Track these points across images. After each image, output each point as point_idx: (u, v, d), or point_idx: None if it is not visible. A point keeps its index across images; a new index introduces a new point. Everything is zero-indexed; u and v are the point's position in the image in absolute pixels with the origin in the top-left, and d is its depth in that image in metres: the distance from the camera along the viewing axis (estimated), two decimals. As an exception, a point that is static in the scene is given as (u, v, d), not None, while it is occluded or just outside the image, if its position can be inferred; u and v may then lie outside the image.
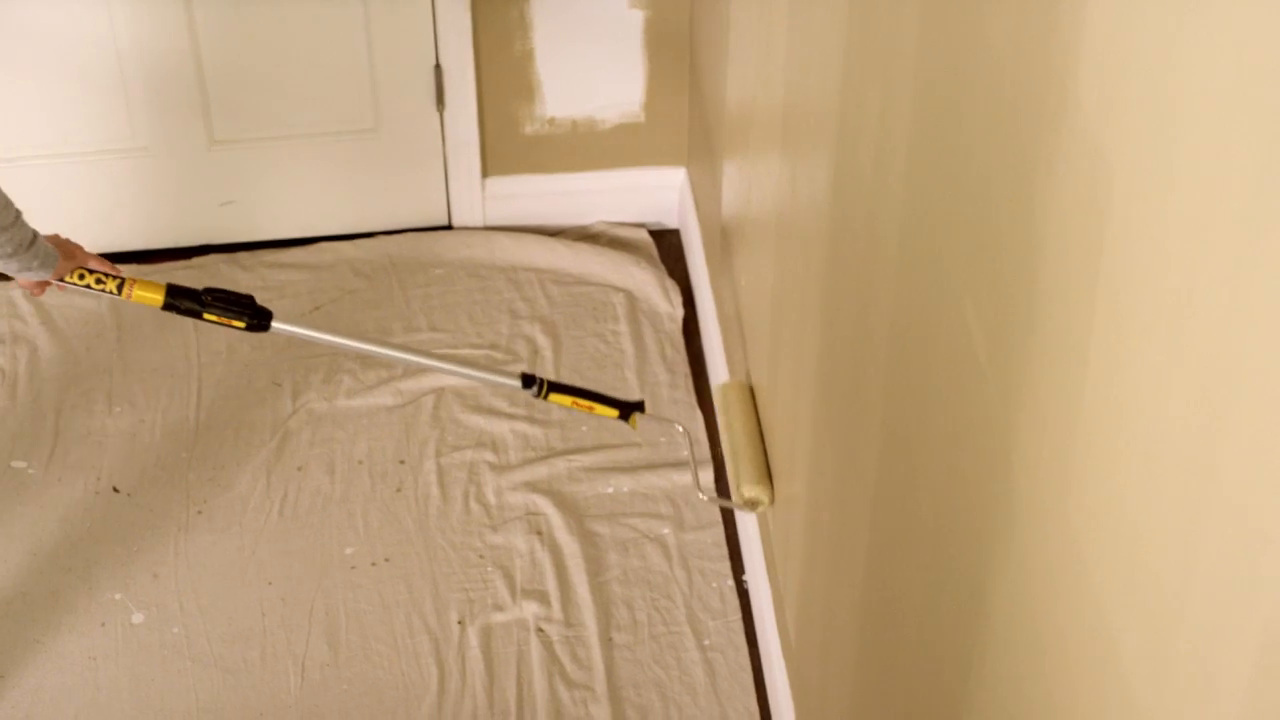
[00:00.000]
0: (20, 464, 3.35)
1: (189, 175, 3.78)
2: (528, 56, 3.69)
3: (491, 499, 3.27)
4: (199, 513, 3.26)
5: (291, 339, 3.59)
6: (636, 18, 3.66)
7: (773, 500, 2.82)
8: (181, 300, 2.49)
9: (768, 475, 2.85)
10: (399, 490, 3.30)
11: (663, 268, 3.80)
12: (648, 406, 2.81)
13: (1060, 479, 1.32)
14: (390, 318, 3.68)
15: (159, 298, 2.48)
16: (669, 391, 3.50)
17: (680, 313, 3.69)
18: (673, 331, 3.65)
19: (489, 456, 3.36)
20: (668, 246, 3.90)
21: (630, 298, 3.72)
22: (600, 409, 2.72)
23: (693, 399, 3.49)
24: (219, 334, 3.62)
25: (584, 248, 3.81)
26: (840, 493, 2.23)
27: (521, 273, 3.78)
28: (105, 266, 2.51)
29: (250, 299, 2.53)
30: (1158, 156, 1.09)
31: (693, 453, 2.96)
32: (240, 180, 3.82)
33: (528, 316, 3.68)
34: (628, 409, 2.73)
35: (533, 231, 3.89)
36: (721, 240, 3.31)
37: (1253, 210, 0.95)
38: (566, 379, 3.52)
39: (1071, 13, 1.22)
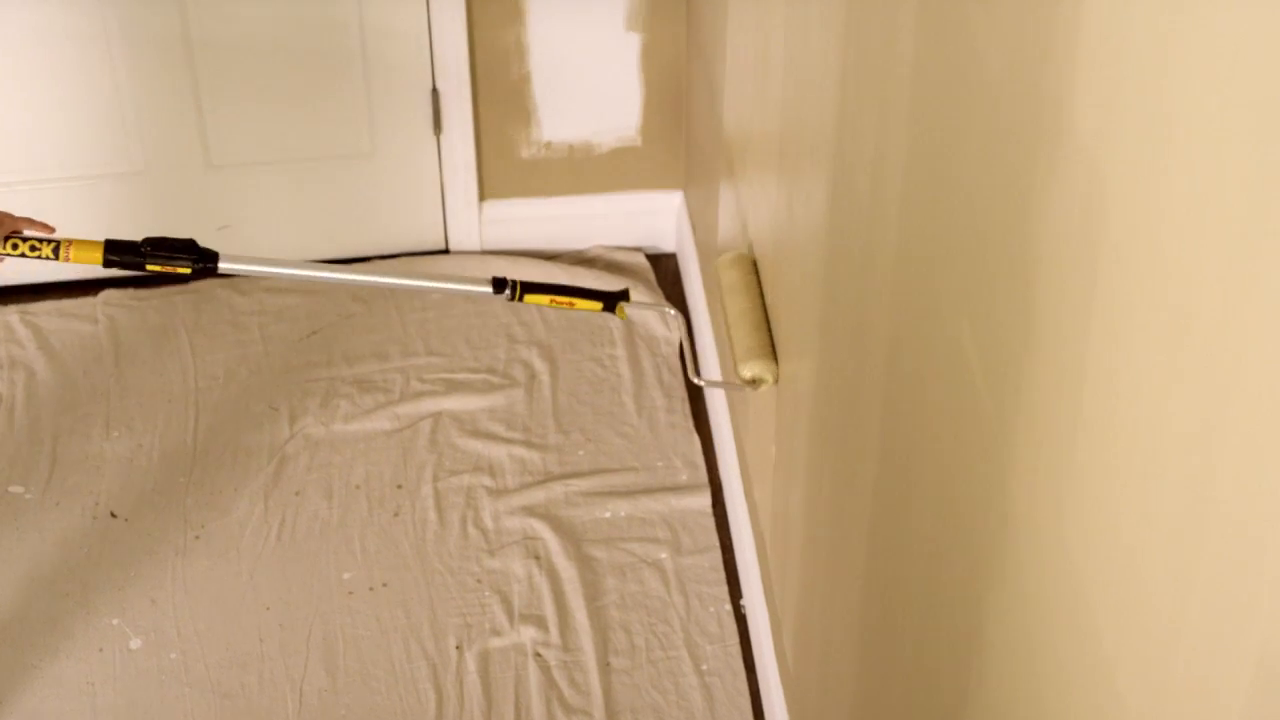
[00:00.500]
0: (17, 489, 3.34)
1: (186, 199, 3.79)
2: (524, 80, 3.70)
3: (489, 524, 3.27)
4: (196, 538, 3.25)
5: (286, 364, 3.60)
6: (633, 41, 3.67)
7: (777, 378, 2.64)
8: (122, 255, 2.44)
9: (771, 352, 2.65)
10: (396, 515, 3.30)
11: (660, 292, 3.80)
12: (624, 310, 2.61)
13: (1056, 501, 1.32)
14: (387, 342, 3.68)
15: (98, 255, 2.44)
16: (666, 416, 3.50)
17: (677, 336, 3.69)
18: (670, 356, 3.66)
19: (486, 481, 3.36)
20: (665, 270, 3.90)
21: (627, 322, 3.72)
22: (581, 304, 2.58)
23: (689, 421, 3.49)
24: (216, 358, 3.62)
25: (581, 271, 3.81)
26: (837, 516, 2.23)
27: (519, 297, 3.79)
28: (40, 230, 2.48)
29: (192, 242, 2.46)
30: (1153, 177, 1.09)
31: (687, 338, 2.78)
32: (237, 204, 3.82)
33: (525, 340, 3.68)
34: (612, 299, 2.59)
35: (530, 255, 3.89)
36: (718, 259, 3.31)
37: (1249, 231, 0.95)
38: (565, 403, 3.52)
39: (1066, 34, 1.23)
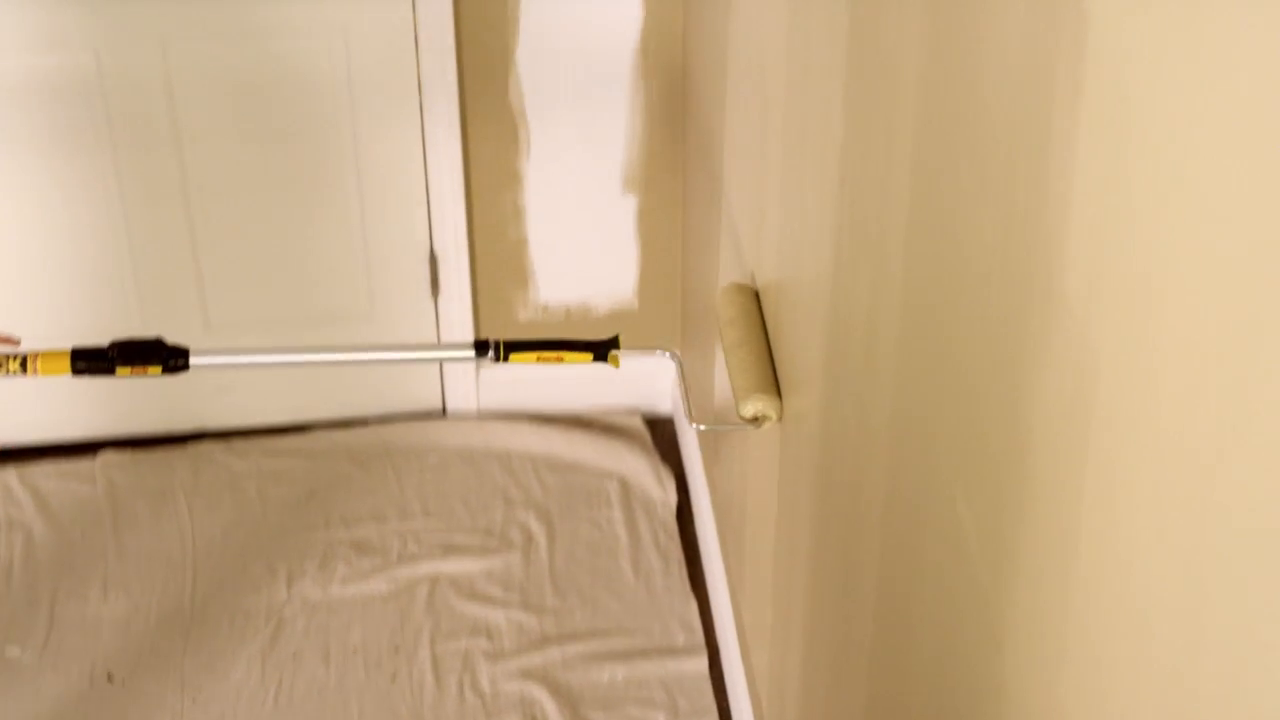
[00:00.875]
0: (14, 651, 3.33)
1: (186, 362, 3.81)
2: (522, 243, 3.74)
3: (486, 688, 3.26)
4: (194, 701, 3.24)
5: (284, 526, 3.60)
6: (630, 204, 3.71)
7: (781, 415, 2.49)
8: (90, 362, 2.40)
9: (775, 388, 2.51)
10: (394, 679, 3.29)
11: (656, 454, 3.82)
12: (616, 358, 2.51)
13: (1052, 668, 1.33)
14: (384, 504, 3.69)
15: (65, 365, 2.40)
16: (663, 578, 3.50)
17: (674, 499, 3.70)
18: (666, 518, 3.66)
19: (484, 644, 3.35)
20: (661, 432, 3.91)
21: (624, 484, 3.73)
22: (571, 357, 2.48)
23: (686, 585, 3.49)
24: (214, 520, 3.62)
25: (577, 434, 3.82)
26: (834, 682, 2.23)
27: (515, 459, 3.80)
28: (3, 343, 2.45)
29: (159, 341, 2.42)
30: (1143, 350, 1.11)
31: (682, 381, 2.68)
32: (236, 366, 3.84)
33: (522, 503, 3.69)
34: (602, 348, 2.49)
35: (527, 417, 3.91)
36: (714, 424, 3.33)
37: (1236, 409, 0.97)
38: (561, 566, 3.52)
39: (1057, 206, 1.25)
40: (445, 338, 3.83)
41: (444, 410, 3.94)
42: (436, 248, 3.72)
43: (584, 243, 3.78)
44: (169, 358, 2.39)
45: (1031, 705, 1.38)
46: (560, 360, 2.46)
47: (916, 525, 1.75)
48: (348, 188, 3.63)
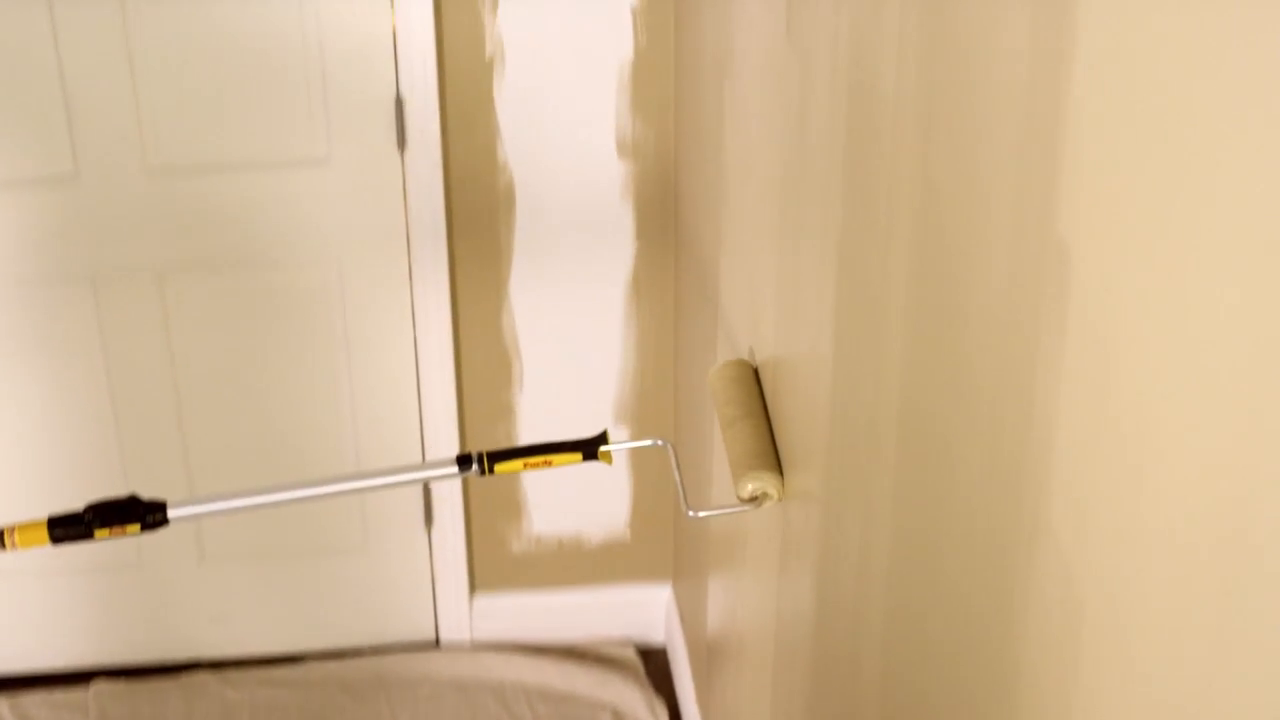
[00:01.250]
0: None
1: (179, 591, 3.82)
2: (514, 477, 3.76)
3: None
4: None
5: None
6: (621, 437, 3.74)
7: (782, 494, 2.33)
8: (67, 528, 2.31)
9: (776, 465, 2.35)
10: None
11: (649, 685, 3.81)
12: (609, 454, 2.38)
13: None
14: (377, 735, 3.68)
15: (43, 535, 2.32)
16: (656, 810, 3.48)
17: (668, 730, 3.69)
18: (660, 749, 3.65)
19: None
20: (655, 664, 3.91)
21: (617, 716, 3.72)
22: (560, 459, 2.35)
23: (680, 818, 3.47)
24: (205, 752, 3.60)
25: (571, 665, 3.82)
26: None
27: (509, 690, 3.79)
28: None
29: (134, 498, 2.33)
30: (1129, 590, 1.13)
31: (678, 469, 2.45)
32: (230, 596, 3.85)
33: (515, 734, 3.68)
34: (591, 447, 2.37)
35: (520, 647, 3.91)
36: (708, 657, 3.33)
37: (1223, 655, 0.99)
38: (553, 798, 3.50)
39: (1040, 442, 1.28)
40: (438, 570, 3.84)
41: (437, 640, 3.94)
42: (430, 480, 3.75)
43: (577, 476, 3.80)
44: (146, 513, 2.31)
45: None
46: (549, 464, 2.34)
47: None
48: (342, 418, 3.66)
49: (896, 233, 1.66)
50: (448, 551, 3.83)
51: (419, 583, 3.88)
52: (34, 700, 3.75)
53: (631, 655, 3.91)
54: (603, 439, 2.35)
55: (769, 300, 2.37)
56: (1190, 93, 0.99)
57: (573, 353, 3.64)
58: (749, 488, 2.30)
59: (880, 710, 1.87)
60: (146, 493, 3.66)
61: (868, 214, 1.77)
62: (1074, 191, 1.18)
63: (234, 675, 3.83)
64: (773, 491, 2.30)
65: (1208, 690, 1.01)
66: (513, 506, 3.80)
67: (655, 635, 3.97)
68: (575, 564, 3.90)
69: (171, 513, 2.30)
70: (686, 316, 3.41)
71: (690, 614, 3.61)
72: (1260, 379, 0.92)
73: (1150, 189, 1.05)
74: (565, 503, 3.82)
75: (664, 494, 3.82)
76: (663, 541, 3.87)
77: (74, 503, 3.66)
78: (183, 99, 3.30)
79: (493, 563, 3.88)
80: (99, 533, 2.31)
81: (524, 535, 3.85)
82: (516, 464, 2.32)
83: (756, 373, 2.53)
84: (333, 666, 3.86)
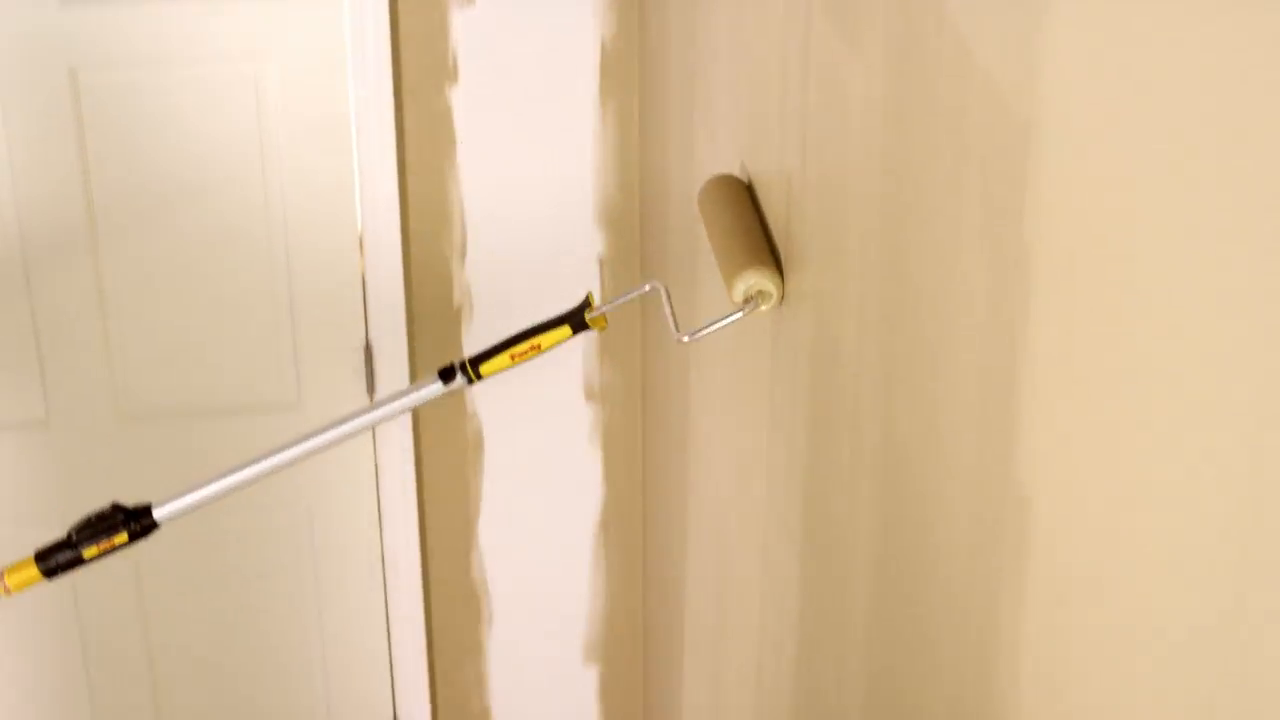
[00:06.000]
0: None
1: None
2: (484, 715, 3.76)
3: None
4: None
5: None
6: (591, 676, 3.74)
7: (782, 295, 2.03)
8: (56, 557, 2.24)
9: (774, 263, 2.05)
10: None
11: None
12: (601, 318, 2.15)
13: None
14: None
15: (34, 572, 2.24)
16: None
17: None
18: None
19: None
20: None
21: None
22: (549, 339, 2.13)
23: None
24: None
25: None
26: None
27: None
28: None
29: (116, 507, 2.25)
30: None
31: (668, 301, 2.15)
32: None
33: None
34: (576, 317, 2.14)
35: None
36: None
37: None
38: None
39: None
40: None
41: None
42: (399, 716, 3.74)
43: (546, 714, 3.80)
44: (131, 521, 2.23)
45: None
46: (538, 350, 2.12)
47: None
48: (311, 654, 3.66)
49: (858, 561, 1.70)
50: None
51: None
52: None
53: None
54: (587, 304, 2.13)
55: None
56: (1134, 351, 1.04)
57: (543, 592, 3.66)
58: (741, 289, 2.01)
59: None
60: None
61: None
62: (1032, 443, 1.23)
63: None
64: (771, 288, 2.00)
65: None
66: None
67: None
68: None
69: (157, 513, 2.23)
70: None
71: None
72: (1227, 611, 0.95)
73: (1103, 438, 1.10)
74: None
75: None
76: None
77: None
78: (154, 343, 3.35)
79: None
80: (88, 553, 2.21)
81: None
82: (503, 359, 2.13)
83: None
84: None
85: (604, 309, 2.13)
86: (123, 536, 2.24)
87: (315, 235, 3.30)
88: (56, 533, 3.40)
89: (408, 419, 3.43)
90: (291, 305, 3.35)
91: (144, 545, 3.44)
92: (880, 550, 1.66)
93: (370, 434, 3.45)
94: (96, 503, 3.37)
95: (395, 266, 3.32)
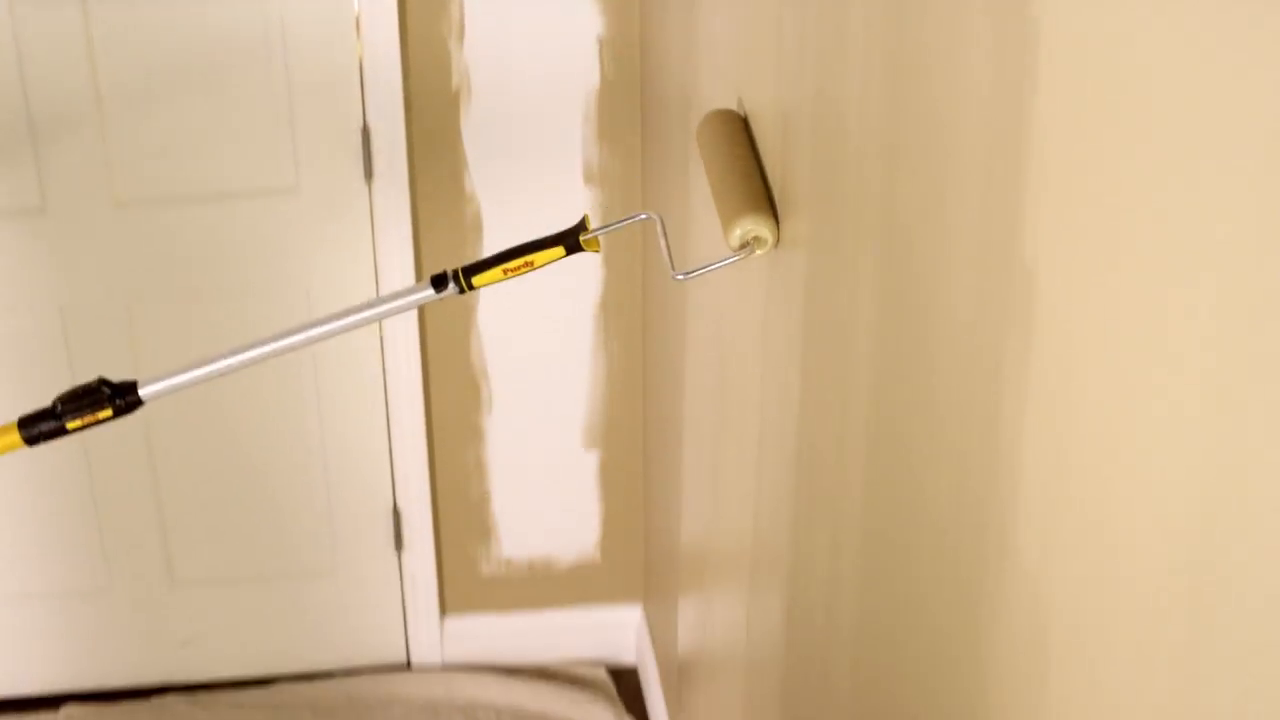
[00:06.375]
0: None
1: (149, 615, 3.83)
2: (484, 499, 3.79)
3: None
4: None
5: None
6: (591, 460, 3.77)
7: (778, 239, 2.07)
8: (39, 425, 2.23)
9: (769, 208, 2.09)
10: None
11: (621, 705, 3.83)
12: (595, 240, 2.16)
13: None
14: (349, 758, 3.69)
15: (15, 437, 2.25)
16: (627, 829, 3.50)
17: (638, 748, 3.71)
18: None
19: None
20: (626, 684, 3.93)
21: (588, 732, 3.74)
22: (542, 258, 2.14)
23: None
24: None
25: (542, 686, 3.84)
26: None
27: (481, 711, 3.81)
28: None
29: (103, 382, 2.24)
30: (1095, 612, 1.15)
31: (664, 234, 2.20)
32: (200, 620, 3.86)
33: (486, 753, 3.70)
34: (571, 238, 2.15)
35: (491, 669, 3.93)
36: (679, 677, 3.36)
37: (1188, 673, 1.02)
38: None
39: (1009, 470, 1.31)
40: (408, 593, 3.86)
41: (408, 662, 3.96)
42: (400, 503, 3.77)
43: (547, 497, 3.82)
44: (116, 396, 2.22)
45: None
46: (530, 266, 2.13)
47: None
48: (310, 443, 3.68)
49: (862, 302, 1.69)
50: (418, 574, 3.85)
51: (389, 606, 3.90)
52: (6, 725, 3.76)
53: (603, 676, 3.93)
54: (583, 225, 2.15)
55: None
56: (1154, 100, 1.02)
57: (543, 379, 3.67)
58: (739, 235, 2.06)
59: (853, 702, 1.89)
60: (118, 522, 3.70)
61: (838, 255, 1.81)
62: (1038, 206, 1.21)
63: (204, 698, 3.85)
64: (766, 234, 2.05)
65: (1174, 703, 1.04)
66: (482, 529, 3.82)
67: (626, 656, 4.00)
68: (546, 586, 3.92)
69: (143, 390, 2.22)
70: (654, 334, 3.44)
71: (661, 634, 3.63)
72: (1224, 393, 0.95)
73: (1112, 205, 1.09)
74: (535, 524, 3.85)
75: (634, 515, 3.84)
76: (633, 562, 3.90)
77: (47, 538, 3.70)
78: (151, 131, 3.32)
79: (463, 585, 3.89)
80: (71, 424, 2.21)
81: (494, 558, 3.87)
82: (495, 273, 2.14)
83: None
84: (303, 689, 3.87)
85: (598, 231, 2.15)
86: (107, 411, 2.23)
87: (312, 18, 3.26)
88: (51, 320, 3.46)
89: (405, 203, 3.40)
90: (289, 89, 3.31)
91: (141, 327, 3.48)
92: (882, 328, 1.65)
93: (369, 219, 3.43)
94: (93, 290, 3.44)
95: (393, 48, 3.28)
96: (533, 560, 3.88)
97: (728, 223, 2.05)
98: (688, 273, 2.11)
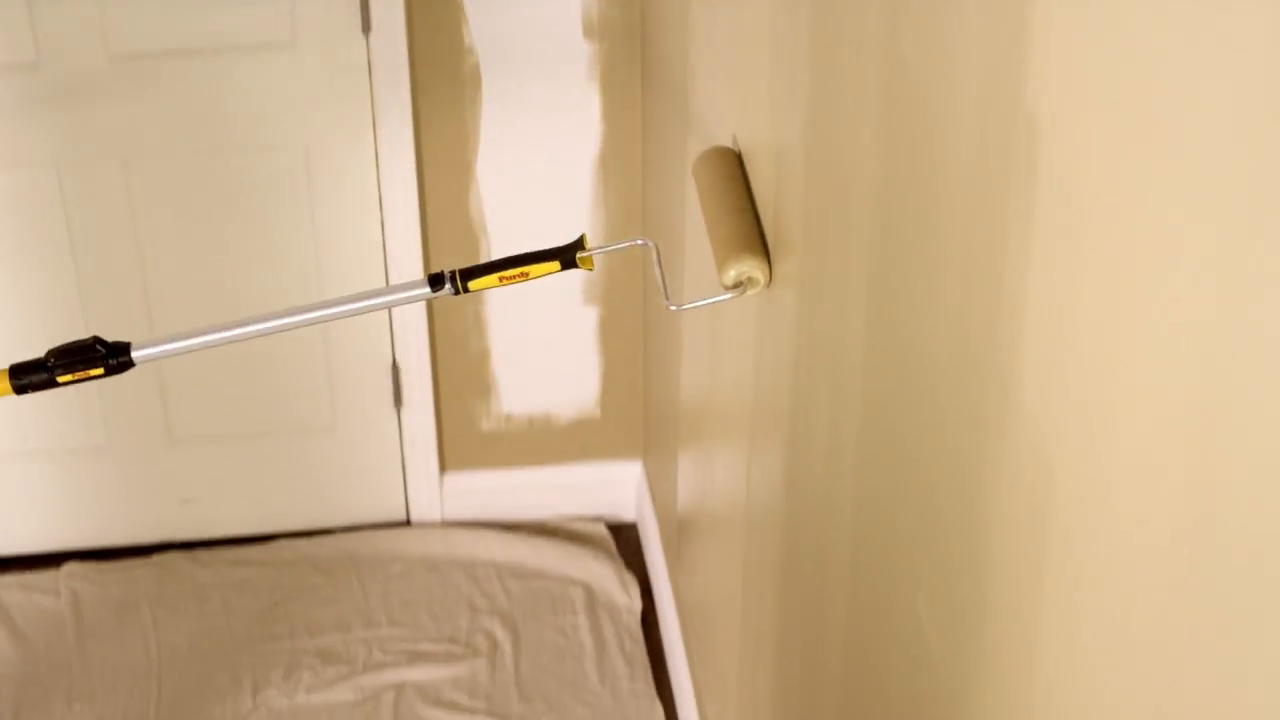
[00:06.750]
0: (-22, 765, 3.33)
1: (148, 473, 3.83)
2: (484, 355, 3.78)
3: (452, 794, 3.26)
4: (158, 812, 3.24)
5: (249, 636, 3.61)
6: (591, 315, 3.75)
7: (770, 278, 2.17)
8: (30, 375, 2.21)
9: (762, 249, 2.19)
10: (359, 787, 3.29)
11: (620, 561, 3.84)
12: (589, 259, 2.19)
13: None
14: (349, 613, 3.70)
15: (5, 385, 2.22)
16: (629, 684, 3.52)
17: (639, 606, 3.72)
18: (631, 624, 3.68)
19: (449, 752, 3.36)
20: (626, 540, 3.94)
21: (589, 591, 3.75)
22: (537, 269, 2.18)
23: (652, 690, 3.51)
24: (179, 630, 3.63)
25: (542, 542, 3.85)
26: (800, 782, 2.25)
27: (480, 567, 3.82)
28: None
29: (97, 340, 2.23)
30: (1097, 456, 1.15)
31: (659, 263, 2.28)
32: (199, 478, 3.86)
33: (486, 610, 3.71)
34: (568, 254, 2.19)
35: (491, 526, 3.94)
36: (678, 532, 3.36)
37: (1189, 512, 1.01)
38: (527, 672, 3.53)
39: (1011, 318, 1.29)
40: (408, 450, 3.86)
41: (408, 519, 3.96)
42: (399, 359, 3.76)
43: (546, 353, 3.81)
44: (109, 356, 2.22)
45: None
46: (525, 276, 2.18)
47: (879, 631, 1.78)
48: (310, 299, 3.66)
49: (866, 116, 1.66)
50: (417, 431, 3.85)
51: (389, 462, 3.90)
52: (5, 582, 3.77)
53: (602, 531, 3.94)
54: (580, 244, 2.18)
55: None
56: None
57: (542, 231, 3.64)
58: (732, 275, 2.16)
59: (850, 574, 1.89)
60: (117, 380, 3.68)
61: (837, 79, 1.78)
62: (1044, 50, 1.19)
63: (204, 555, 3.85)
64: (759, 275, 2.15)
65: (1175, 546, 1.03)
66: (482, 386, 3.82)
67: (626, 511, 4.00)
68: (545, 442, 3.92)
69: (135, 354, 2.23)
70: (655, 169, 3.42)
71: (660, 490, 3.64)
72: (1230, 250, 0.93)
73: (1118, 53, 1.06)
74: (535, 381, 3.84)
75: (633, 372, 3.83)
76: (633, 418, 3.90)
77: (45, 396, 3.68)
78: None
79: (462, 442, 3.89)
80: (62, 378, 2.22)
81: (493, 414, 3.86)
82: (491, 279, 2.19)
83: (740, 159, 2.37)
84: (303, 545, 3.88)
85: (594, 251, 2.19)
86: (99, 370, 2.22)
87: None
88: (47, 174, 3.43)
89: (403, 56, 3.36)
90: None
91: (138, 181, 3.45)
92: (885, 169, 1.62)
93: (366, 72, 3.39)
94: (89, 146, 3.41)
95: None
96: (532, 416, 3.88)
97: (722, 262, 2.17)
98: (680, 306, 2.27)
